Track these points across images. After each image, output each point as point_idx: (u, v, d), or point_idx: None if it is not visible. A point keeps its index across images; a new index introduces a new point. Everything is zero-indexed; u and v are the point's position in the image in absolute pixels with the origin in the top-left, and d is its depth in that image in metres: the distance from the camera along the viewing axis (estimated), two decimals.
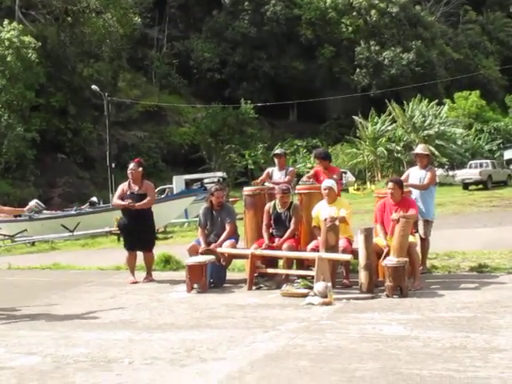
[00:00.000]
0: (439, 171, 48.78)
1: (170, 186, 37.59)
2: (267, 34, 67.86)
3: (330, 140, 63.21)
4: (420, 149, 11.10)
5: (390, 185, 9.55)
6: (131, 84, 62.88)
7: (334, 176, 10.65)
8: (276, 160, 11.72)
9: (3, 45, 45.88)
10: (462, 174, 44.04)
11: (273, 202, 10.36)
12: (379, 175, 52.91)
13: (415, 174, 10.68)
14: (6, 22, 47.26)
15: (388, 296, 8.61)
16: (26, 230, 23.02)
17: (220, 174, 42.81)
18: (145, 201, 11.07)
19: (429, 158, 10.88)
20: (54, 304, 9.46)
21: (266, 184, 11.50)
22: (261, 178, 11.69)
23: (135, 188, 11.20)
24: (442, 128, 52.93)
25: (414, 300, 8.33)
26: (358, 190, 45.25)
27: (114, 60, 57.41)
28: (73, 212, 25.73)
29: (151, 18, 67.53)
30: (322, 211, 9.71)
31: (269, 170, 11.87)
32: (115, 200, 11.50)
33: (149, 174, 50.99)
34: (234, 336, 6.89)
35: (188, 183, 38.42)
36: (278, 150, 12.28)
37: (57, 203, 43.11)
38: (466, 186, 42.01)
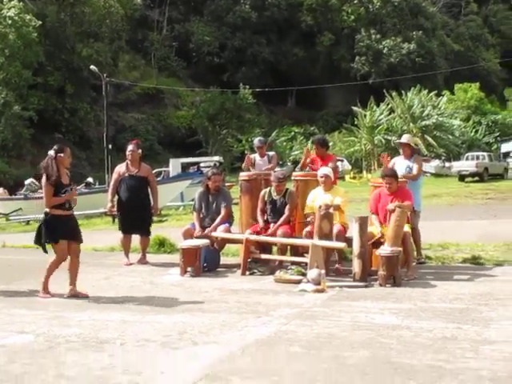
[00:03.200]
0: (436, 162, 48.93)
1: (166, 168, 37.59)
2: (268, 19, 67.64)
3: (327, 128, 63.19)
4: (404, 138, 11.09)
5: (387, 179, 9.49)
6: (130, 66, 62.76)
7: (330, 164, 10.62)
8: (258, 150, 11.74)
9: (4, 23, 45.73)
10: (458, 166, 44.07)
11: (268, 189, 10.34)
12: (375, 164, 52.94)
13: (401, 164, 10.61)
14: None
15: (381, 285, 8.61)
16: (20, 208, 23.03)
17: (217, 158, 42.84)
18: (155, 200, 11.35)
19: (411, 147, 10.83)
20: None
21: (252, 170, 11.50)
22: (244, 164, 11.68)
23: (134, 170, 11.16)
24: (440, 119, 53.00)
25: (406, 290, 8.35)
26: (354, 178, 45.36)
27: (113, 41, 57.27)
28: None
29: (152, 0, 67.27)
30: (317, 198, 9.71)
31: (250, 156, 11.85)
32: (112, 184, 11.46)
33: (145, 156, 50.92)
34: (226, 320, 6.90)
35: (184, 167, 38.43)
36: (257, 142, 12.11)
37: None
38: (462, 177, 42.03)
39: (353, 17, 69.47)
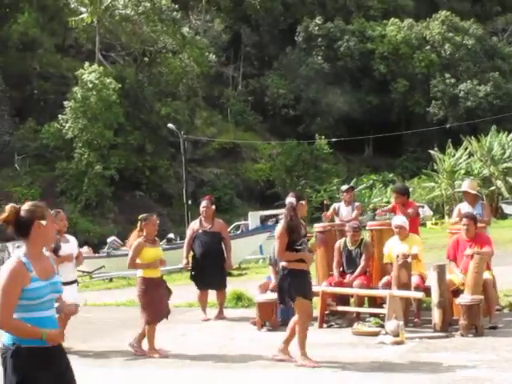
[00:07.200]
0: None
1: (244, 222, 37.75)
2: (341, 69, 67.94)
3: (406, 174, 62.49)
4: (465, 186, 10.87)
5: (465, 220, 9.31)
6: (207, 122, 63.80)
7: (410, 210, 10.47)
8: (346, 195, 11.67)
9: (85, 86, 47.51)
10: None
11: (343, 239, 10.26)
12: None
13: (466, 211, 10.33)
14: (86, 64, 48.95)
15: (462, 335, 8.37)
16: (103, 266, 23.49)
17: None
18: (228, 255, 11.30)
19: (473, 194, 10.55)
20: (127, 341, 9.54)
21: (335, 220, 11.46)
22: (328, 213, 11.63)
23: (207, 226, 11.25)
24: None
25: (489, 339, 8.09)
26: (436, 224, 44.57)
27: (190, 98, 58.53)
28: None
29: (226, 57, 68.65)
30: (393, 248, 9.56)
31: (335, 205, 11.81)
32: (187, 241, 11.64)
33: (225, 210, 51.33)
34: (301, 376, 6.82)
35: (263, 219, 38.50)
36: (345, 186, 12.23)
37: None
38: None
39: (424, 63, 69.00)
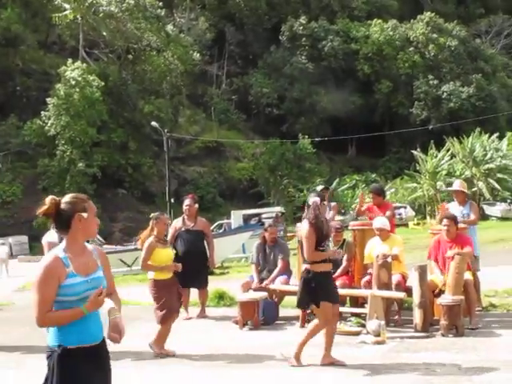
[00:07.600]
0: (502, 206, 47.98)
1: (227, 221, 37.68)
2: (325, 69, 68.08)
3: (389, 174, 62.78)
4: (455, 185, 10.95)
5: (446, 221, 9.34)
6: (191, 120, 63.74)
7: (388, 212, 10.51)
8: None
9: (68, 83, 47.27)
10: None
11: None
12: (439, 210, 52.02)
13: (455, 210, 10.37)
14: (69, 61, 48.73)
15: (443, 335, 8.41)
16: None
17: (278, 208, 42.77)
18: (211, 254, 11.28)
19: (464, 193, 10.66)
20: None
21: None
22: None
23: (190, 224, 11.23)
24: (503, 162, 52.08)
25: (469, 339, 8.13)
26: (417, 224, 44.80)
27: (174, 96, 58.48)
28: (131, 247, 25.93)
29: (210, 55, 68.64)
30: (374, 248, 9.59)
31: None
32: (169, 239, 11.58)
33: (207, 208, 51.05)
34: (280, 374, 6.82)
35: (246, 218, 38.44)
36: (320, 186, 12.29)
37: (117, 238, 43.76)
38: None
39: (407, 64, 69.28)
